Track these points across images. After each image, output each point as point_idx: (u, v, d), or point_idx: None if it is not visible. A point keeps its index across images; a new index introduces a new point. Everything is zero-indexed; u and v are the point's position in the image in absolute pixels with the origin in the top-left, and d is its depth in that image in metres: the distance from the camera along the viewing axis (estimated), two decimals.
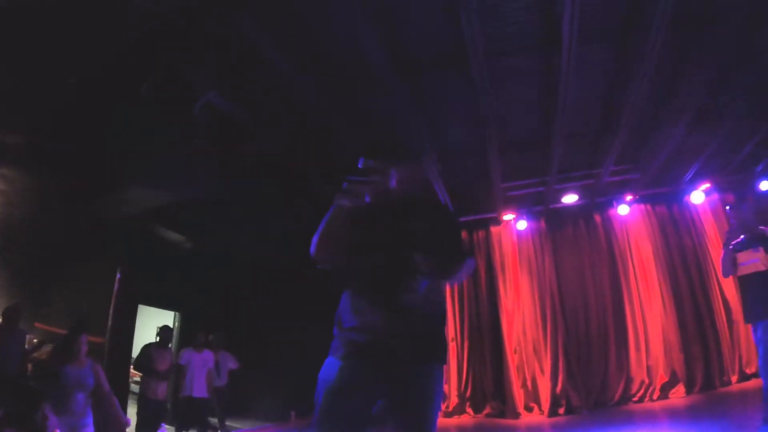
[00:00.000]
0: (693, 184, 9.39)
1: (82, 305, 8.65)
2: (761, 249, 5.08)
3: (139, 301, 9.86)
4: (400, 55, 5.51)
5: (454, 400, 9.70)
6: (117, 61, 4.79)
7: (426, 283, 2.43)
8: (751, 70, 6.07)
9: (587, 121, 7.18)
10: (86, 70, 4.89)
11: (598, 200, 9.81)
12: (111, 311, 8.70)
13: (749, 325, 5.23)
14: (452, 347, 10.05)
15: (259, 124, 6.26)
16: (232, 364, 9.51)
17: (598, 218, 10.15)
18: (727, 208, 5.70)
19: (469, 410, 9.60)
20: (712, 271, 9.15)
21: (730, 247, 5.40)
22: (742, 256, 5.26)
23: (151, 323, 9.34)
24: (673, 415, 7.64)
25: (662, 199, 9.88)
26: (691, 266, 9.41)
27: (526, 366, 9.50)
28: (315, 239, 2.48)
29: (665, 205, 9.92)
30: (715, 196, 9.48)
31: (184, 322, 11.29)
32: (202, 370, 8.20)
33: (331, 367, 2.35)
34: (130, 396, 9.43)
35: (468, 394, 9.71)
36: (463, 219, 10.38)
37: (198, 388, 8.07)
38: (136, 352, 8.24)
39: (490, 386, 9.71)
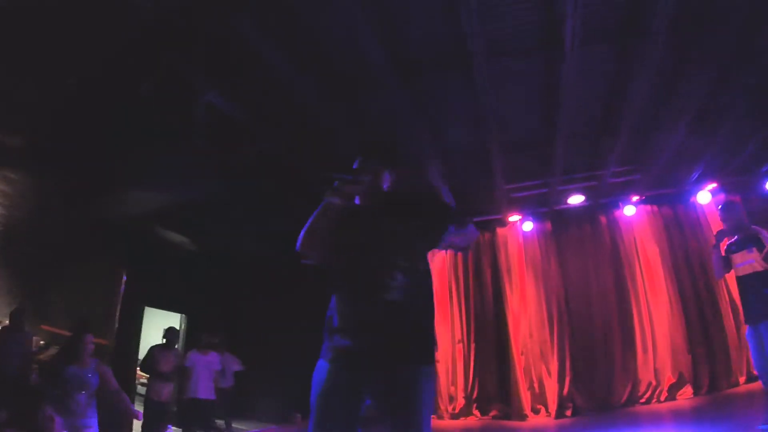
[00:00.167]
0: (699, 184, 9.33)
1: (87, 307, 8.71)
2: (755, 249, 5.07)
3: (145, 304, 9.90)
4: (401, 55, 5.51)
5: (460, 401, 9.66)
6: (117, 61, 4.81)
7: (410, 284, 2.44)
8: (751, 70, 6.02)
9: (589, 122, 7.15)
10: (87, 70, 4.91)
11: (603, 201, 9.77)
12: (117, 313, 8.74)
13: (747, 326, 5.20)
14: (458, 349, 10.02)
15: (260, 125, 6.28)
16: (236, 366, 9.53)
17: (603, 219, 10.10)
18: (719, 208, 5.67)
19: (476, 412, 9.56)
20: None
21: (725, 248, 5.41)
22: (738, 258, 5.26)
23: (157, 325, 9.37)
24: (680, 416, 7.59)
25: (668, 199, 9.82)
26: (698, 267, 9.33)
27: (532, 368, 9.46)
28: (302, 234, 2.51)
29: (671, 206, 9.85)
30: (722, 196, 9.40)
31: (190, 324, 11.32)
32: (208, 372, 8.22)
33: (321, 370, 2.39)
34: (137, 397, 9.45)
35: (474, 395, 9.67)
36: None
37: (203, 390, 8.08)
38: (142, 354, 8.27)
39: (497, 388, 9.68)
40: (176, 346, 8.40)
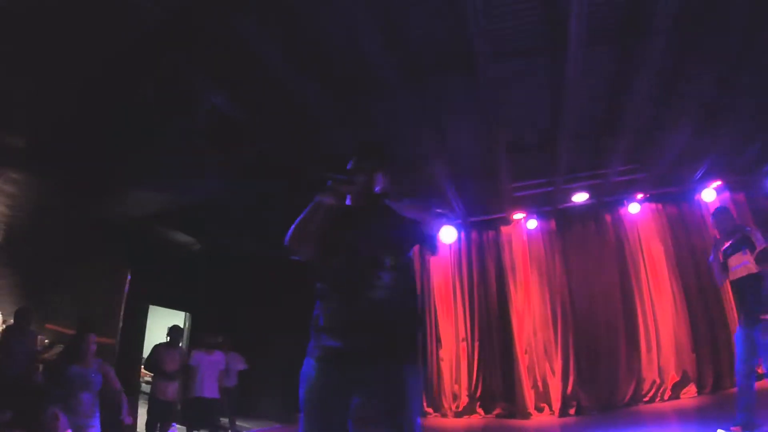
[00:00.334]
0: (703, 182, 9.31)
1: (92, 306, 8.73)
2: (748, 251, 5.07)
3: (149, 302, 9.93)
4: (404, 56, 5.50)
5: (464, 400, 9.66)
6: (119, 62, 4.81)
7: (395, 282, 2.47)
8: (756, 69, 6.00)
9: (593, 121, 7.14)
10: (89, 70, 4.92)
11: (608, 199, 9.75)
12: (122, 312, 8.76)
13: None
14: (462, 347, 10.02)
15: (262, 125, 6.28)
16: (240, 365, 9.55)
17: (608, 218, 10.08)
18: (712, 214, 5.69)
19: (480, 410, 9.56)
20: None
21: (720, 255, 5.43)
22: (733, 260, 5.27)
23: (161, 324, 9.39)
24: (684, 415, 7.58)
25: (673, 198, 9.79)
26: (703, 265, 9.29)
27: (536, 366, 9.46)
28: (291, 229, 2.53)
29: (676, 204, 9.83)
30: (726, 194, 9.38)
31: (195, 322, 11.35)
32: (213, 371, 8.25)
33: (308, 368, 2.42)
34: (141, 396, 9.48)
35: (478, 394, 9.67)
36: (472, 219, 10.38)
37: (208, 388, 8.11)
38: (147, 352, 8.29)
39: (501, 386, 9.67)
40: (180, 345, 8.42)
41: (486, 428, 8.89)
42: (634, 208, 9.60)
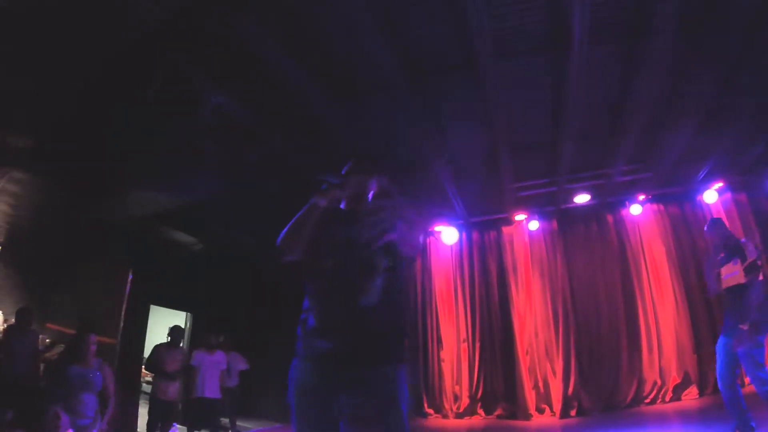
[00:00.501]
0: (706, 183, 9.30)
1: (93, 306, 8.72)
2: (739, 261, 5.10)
3: (150, 302, 9.92)
4: (407, 56, 5.49)
5: (465, 401, 9.66)
6: (121, 62, 4.81)
7: (386, 287, 2.48)
8: (760, 70, 5.99)
9: (597, 121, 7.12)
10: (91, 70, 4.92)
11: (610, 200, 9.74)
12: (123, 312, 8.76)
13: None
14: (463, 348, 10.03)
15: (264, 125, 6.28)
16: (242, 365, 9.55)
17: (610, 218, 10.08)
18: (706, 227, 5.72)
19: (480, 411, 9.56)
20: None
21: (714, 265, 5.47)
22: (724, 270, 5.30)
23: (162, 324, 9.39)
24: (686, 416, 7.58)
25: (675, 198, 9.78)
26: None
27: (537, 367, 9.45)
28: (284, 231, 2.55)
29: (678, 205, 9.82)
30: (728, 195, 9.38)
31: (196, 322, 11.34)
32: (214, 371, 8.25)
33: (297, 369, 2.46)
34: (142, 396, 9.48)
35: (479, 395, 9.67)
36: (474, 219, 10.37)
37: (210, 388, 8.11)
38: (147, 352, 8.29)
39: (502, 387, 9.66)
40: (181, 345, 8.42)
41: (487, 429, 8.88)
42: (636, 209, 9.59)
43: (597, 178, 8.85)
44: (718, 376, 5.23)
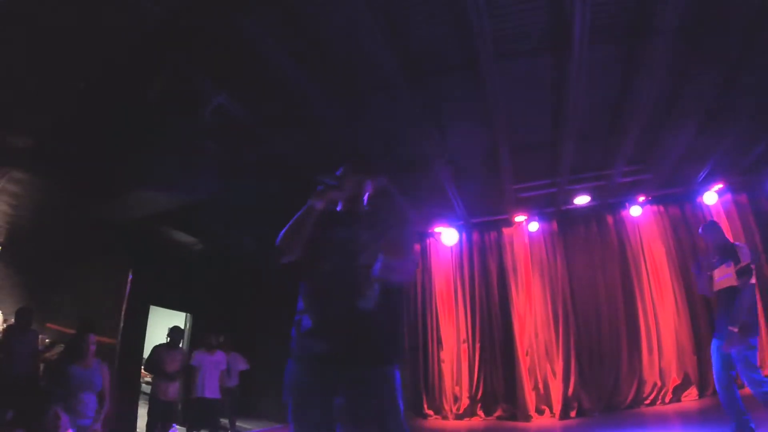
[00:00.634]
0: (706, 184, 9.30)
1: (93, 306, 8.71)
2: (732, 264, 5.10)
3: (150, 303, 9.91)
4: (408, 56, 5.49)
5: (465, 402, 9.66)
6: (123, 62, 4.81)
7: (384, 293, 2.50)
8: (757, 70, 5.99)
9: (597, 121, 7.11)
10: (93, 71, 4.92)
11: (610, 201, 9.74)
12: (123, 312, 8.75)
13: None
14: (463, 349, 10.03)
15: (265, 126, 6.28)
16: (242, 365, 9.54)
17: (610, 219, 10.08)
18: (701, 229, 5.72)
19: (480, 412, 9.56)
20: None
21: (706, 267, 5.50)
22: (717, 273, 5.31)
23: (162, 324, 9.39)
24: (686, 418, 7.57)
25: (675, 199, 9.79)
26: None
27: (537, 368, 9.45)
28: (282, 232, 2.58)
29: (678, 206, 9.82)
30: (728, 196, 9.39)
31: (196, 323, 11.33)
32: (214, 372, 8.24)
33: (294, 370, 2.48)
34: (141, 396, 9.47)
35: (479, 396, 9.67)
36: (474, 220, 10.37)
37: (210, 389, 8.10)
38: (147, 353, 8.28)
39: (502, 388, 9.66)
40: (180, 345, 8.41)
41: (487, 430, 8.88)
42: (636, 210, 9.60)
43: (597, 179, 8.85)
44: (714, 379, 5.23)
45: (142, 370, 9.17)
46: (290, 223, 2.56)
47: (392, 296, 2.54)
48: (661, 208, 9.84)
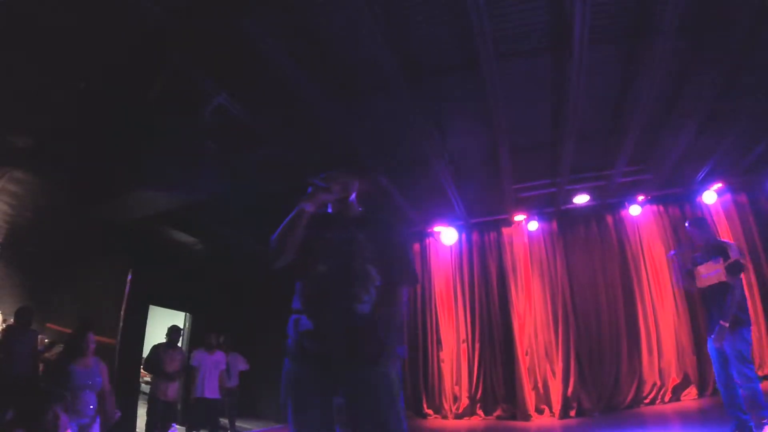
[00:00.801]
0: (705, 184, 9.31)
1: (93, 306, 8.72)
2: (721, 260, 5.10)
3: (150, 303, 9.91)
4: (409, 57, 5.49)
5: (464, 401, 9.67)
6: (122, 62, 4.81)
7: (381, 296, 2.54)
8: (757, 71, 5.99)
9: (597, 121, 7.12)
10: (93, 71, 4.92)
11: (610, 201, 9.75)
12: (122, 312, 8.75)
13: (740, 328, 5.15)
14: (463, 349, 10.04)
15: (266, 126, 6.28)
16: (242, 365, 9.56)
17: (609, 219, 10.09)
18: (688, 223, 5.72)
19: (480, 412, 9.57)
20: None
21: (690, 261, 5.55)
22: (703, 269, 5.31)
23: (162, 324, 9.40)
24: (685, 417, 7.57)
25: (674, 199, 9.80)
26: None
27: (537, 368, 9.45)
28: (275, 237, 2.57)
29: (678, 206, 9.83)
30: (728, 196, 9.40)
31: (195, 323, 11.34)
32: (214, 372, 8.25)
33: (290, 370, 2.48)
34: (141, 396, 9.47)
35: (479, 395, 9.68)
36: (473, 220, 10.38)
37: (209, 389, 8.11)
38: (146, 352, 8.28)
39: (501, 388, 9.66)
40: (179, 345, 8.41)
41: (486, 430, 8.87)
42: (635, 209, 9.60)
43: (597, 179, 8.86)
44: (716, 377, 5.23)
45: (142, 370, 9.18)
46: (281, 227, 2.56)
47: (390, 296, 2.56)
48: (661, 207, 9.85)
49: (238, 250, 9.72)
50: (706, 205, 9.48)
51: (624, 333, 9.28)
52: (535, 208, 9.87)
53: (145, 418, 7.71)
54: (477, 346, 9.98)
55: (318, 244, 2.60)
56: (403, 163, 7.59)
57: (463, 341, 10.06)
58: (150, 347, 8.05)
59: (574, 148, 7.31)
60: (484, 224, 10.58)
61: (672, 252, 5.79)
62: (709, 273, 5.22)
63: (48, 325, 8.79)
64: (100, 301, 8.87)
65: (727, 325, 4.88)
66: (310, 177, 2.60)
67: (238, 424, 9.70)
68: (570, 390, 9.05)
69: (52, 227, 8.59)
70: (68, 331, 7.80)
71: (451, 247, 10.65)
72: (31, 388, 6.46)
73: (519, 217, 10.21)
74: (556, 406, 9.01)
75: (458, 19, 5.01)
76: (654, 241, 9.66)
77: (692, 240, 5.62)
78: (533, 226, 10.05)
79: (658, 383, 8.80)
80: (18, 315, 7.31)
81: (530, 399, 9.24)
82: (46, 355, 7.52)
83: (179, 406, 8.97)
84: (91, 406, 4.97)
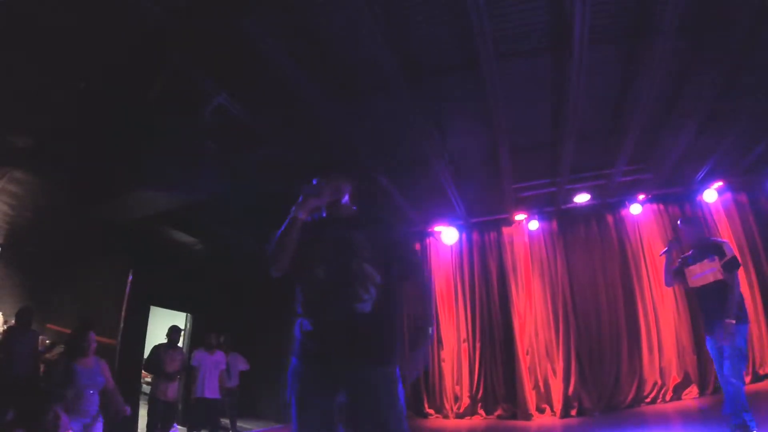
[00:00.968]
0: (705, 183, 9.31)
1: (93, 306, 8.72)
2: (716, 258, 5.09)
3: (150, 303, 9.92)
4: (409, 57, 5.49)
5: (465, 401, 9.67)
6: (122, 62, 4.81)
7: (381, 296, 2.54)
8: (758, 70, 5.99)
9: (597, 121, 7.12)
10: (93, 71, 4.92)
11: (610, 200, 9.74)
12: (123, 313, 8.76)
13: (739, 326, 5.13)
14: (464, 348, 10.04)
15: (266, 126, 6.28)
16: (242, 365, 9.56)
17: (610, 218, 10.08)
18: (679, 222, 5.72)
19: (481, 411, 9.57)
20: None
21: (681, 260, 5.55)
22: (696, 268, 5.29)
23: (162, 324, 9.40)
24: (686, 416, 7.57)
25: (674, 198, 9.80)
26: None
27: (538, 367, 9.45)
28: (272, 245, 2.59)
29: (678, 205, 9.83)
30: (728, 195, 9.41)
31: (196, 323, 11.34)
32: (214, 372, 8.25)
33: (296, 369, 2.50)
34: (142, 397, 9.47)
35: (480, 395, 9.68)
36: (474, 220, 10.37)
37: (210, 389, 8.11)
38: (147, 353, 8.29)
39: (502, 388, 9.66)
40: (179, 345, 8.41)
41: (487, 429, 8.88)
42: (635, 208, 9.59)
43: (597, 178, 8.85)
44: (719, 376, 5.22)
45: (142, 371, 9.18)
46: (276, 236, 2.57)
47: (391, 296, 2.57)
48: (661, 206, 9.84)
49: (238, 250, 9.71)
50: (707, 204, 9.48)
51: (624, 332, 9.27)
52: (535, 207, 9.86)
53: (145, 418, 7.71)
54: (478, 345, 9.98)
55: (314, 247, 2.61)
56: (403, 163, 7.58)
57: (464, 341, 10.06)
58: (150, 348, 8.05)
59: (574, 148, 7.30)
60: (485, 224, 10.58)
61: (662, 252, 5.77)
62: (704, 272, 5.20)
63: (48, 325, 8.80)
64: (101, 301, 8.88)
65: (734, 322, 4.86)
66: (301, 183, 2.63)
67: (238, 424, 9.69)
68: (571, 389, 9.05)
69: (52, 227, 8.60)
70: (68, 331, 7.82)
71: (451, 246, 10.65)
72: (32, 388, 6.47)
73: (519, 217, 10.20)
74: (557, 405, 9.01)
75: (458, 19, 5.00)
76: (654, 240, 9.64)
77: (682, 239, 5.61)
78: (533, 225, 10.04)
79: (659, 382, 8.80)
80: (18, 315, 7.33)
81: (531, 398, 9.24)
82: (47, 355, 7.53)
83: (180, 407, 8.97)
84: (95, 405, 4.98)
